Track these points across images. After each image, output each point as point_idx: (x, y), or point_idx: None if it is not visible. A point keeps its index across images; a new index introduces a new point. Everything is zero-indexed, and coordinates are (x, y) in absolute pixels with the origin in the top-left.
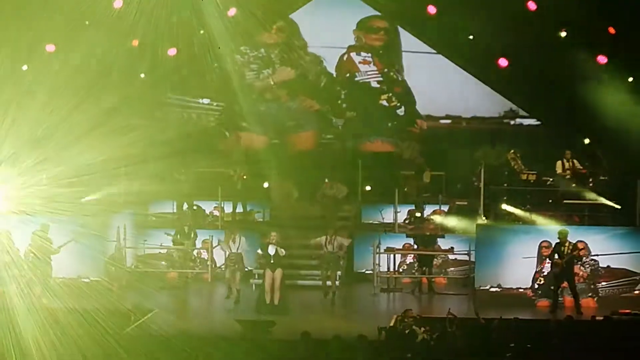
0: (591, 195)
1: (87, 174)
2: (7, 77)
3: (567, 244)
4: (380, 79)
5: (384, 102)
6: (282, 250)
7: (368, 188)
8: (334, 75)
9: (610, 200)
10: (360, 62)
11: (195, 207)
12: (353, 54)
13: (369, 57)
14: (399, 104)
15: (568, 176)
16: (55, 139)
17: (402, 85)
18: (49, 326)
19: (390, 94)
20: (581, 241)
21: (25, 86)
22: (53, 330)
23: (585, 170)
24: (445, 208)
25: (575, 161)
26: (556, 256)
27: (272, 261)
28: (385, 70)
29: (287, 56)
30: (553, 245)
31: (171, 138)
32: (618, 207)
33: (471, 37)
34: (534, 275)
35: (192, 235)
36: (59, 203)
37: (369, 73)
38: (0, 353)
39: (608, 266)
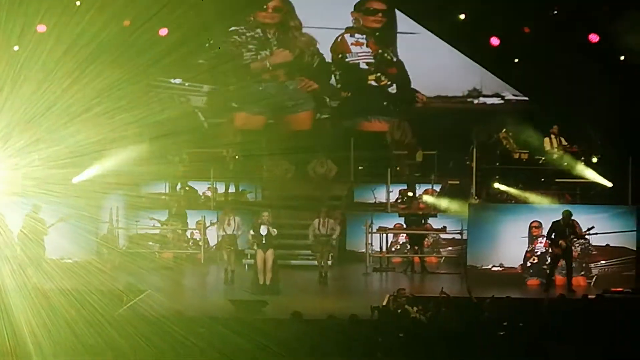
0: (583, 174)
1: (79, 155)
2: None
3: (571, 223)
4: (371, 60)
5: (373, 82)
6: (274, 230)
7: (360, 168)
8: (329, 56)
9: (602, 178)
10: (352, 44)
11: (187, 188)
12: (347, 36)
13: (362, 38)
14: (389, 83)
15: (556, 154)
16: (48, 120)
17: (397, 66)
18: (41, 307)
19: (379, 74)
20: (573, 220)
21: (16, 67)
22: (45, 311)
23: (576, 148)
24: (437, 187)
25: (562, 138)
26: (553, 235)
27: (263, 241)
28: (380, 51)
29: (283, 37)
30: (551, 224)
31: (163, 119)
32: (609, 184)
33: (462, 16)
34: (525, 254)
35: (183, 215)
36: (51, 184)
37: (360, 54)
38: None
39: (607, 245)
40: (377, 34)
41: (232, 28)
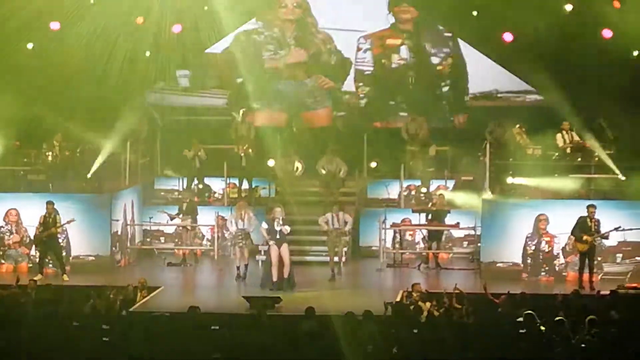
0: (596, 169)
1: (93, 149)
2: (12, 55)
3: (593, 220)
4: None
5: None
6: (287, 227)
7: (374, 164)
8: (343, 54)
9: (615, 173)
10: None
11: (201, 186)
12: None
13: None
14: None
15: (569, 149)
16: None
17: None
18: (58, 303)
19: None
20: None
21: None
22: (61, 307)
23: (588, 144)
24: (450, 183)
25: (574, 133)
26: (578, 231)
27: (277, 237)
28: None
29: (302, 35)
30: (577, 220)
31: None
32: (623, 178)
33: (475, 12)
34: (534, 249)
35: (195, 212)
36: (65, 180)
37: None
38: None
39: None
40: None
41: (252, 27)
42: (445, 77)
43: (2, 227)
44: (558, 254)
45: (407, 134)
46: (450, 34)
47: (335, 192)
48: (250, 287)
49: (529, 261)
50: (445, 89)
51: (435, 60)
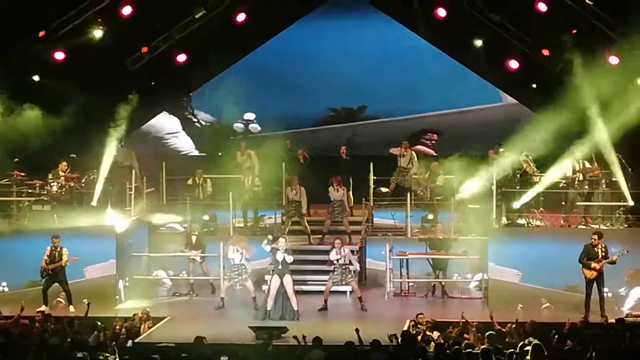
0: (604, 197)
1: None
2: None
3: (600, 247)
4: None
5: None
6: (291, 257)
7: (384, 190)
8: None
9: (623, 200)
10: None
11: (207, 217)
12: None
13: None
14: None
15: (580, 178)
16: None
17: None
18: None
19: None
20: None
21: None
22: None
23: (598, 171)
24: (457, 212)
25: (586, 162)
26: (585, 259)
27: (280, 267)
28: None
29: None
30: (583, 248)
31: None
32: (631, 203)
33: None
34: None
35: (203, 245)
36: (70, 212)
37: None
38: None
39: None
40: None
41: None
42: None
43: None
44: None
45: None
46: None
47: (345, 222)
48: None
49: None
50: None
51: None
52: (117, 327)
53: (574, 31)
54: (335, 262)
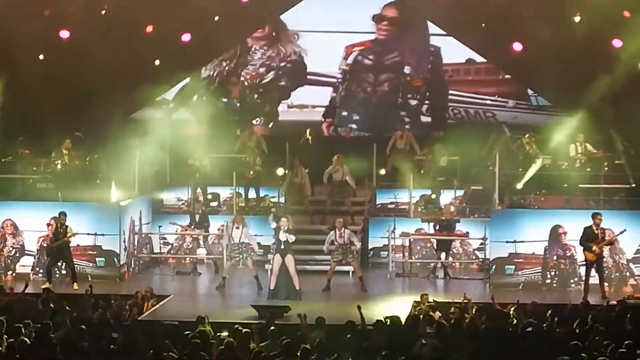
0: (606, 179)
1: (103, 158)
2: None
3: (600, 229)
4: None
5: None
6: (292, 236)
7: (382, 172)
8: None
9: (625, 183)
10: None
11: (209, 196)
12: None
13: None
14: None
15: (582, 160)
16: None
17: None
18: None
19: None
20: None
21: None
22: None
23: (600, 154)
24: (460, 192)
25: (587, 145)
26: (586, 241)
27: (282, 247)
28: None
29: None
30: (583, 230)
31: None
32: (633, 185)
33: (483, 24)
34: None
35: (206, 221)
36: (75, 190)
37: None
38: None
39: None
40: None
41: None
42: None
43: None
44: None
45: (394, 148)
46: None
47: (347, 202)
48: (261, 297)
49: (552, 273)
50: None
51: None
52: (121, 304)
53: None
54: (335, 242)
